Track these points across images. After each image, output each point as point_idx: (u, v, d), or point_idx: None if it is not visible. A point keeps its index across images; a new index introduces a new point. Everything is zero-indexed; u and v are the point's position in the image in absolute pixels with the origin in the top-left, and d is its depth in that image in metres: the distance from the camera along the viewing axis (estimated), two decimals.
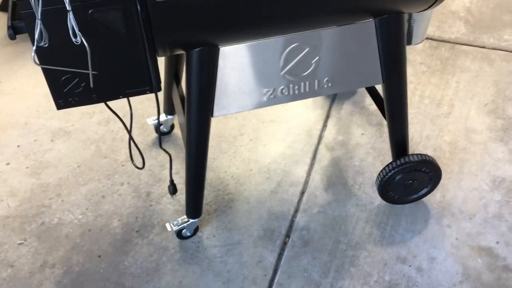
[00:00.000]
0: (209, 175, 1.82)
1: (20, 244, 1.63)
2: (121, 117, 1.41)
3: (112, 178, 1.81)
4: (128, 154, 1.86)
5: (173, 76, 1.64)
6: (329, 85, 1.44)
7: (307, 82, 1.42)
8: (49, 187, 1.79)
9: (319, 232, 1.65)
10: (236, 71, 1.34)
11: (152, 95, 1.29)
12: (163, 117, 1.92)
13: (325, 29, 1.34)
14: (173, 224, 1.58)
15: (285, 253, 1.60)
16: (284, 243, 1.62)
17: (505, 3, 2.58)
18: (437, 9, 2.53)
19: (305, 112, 2.04)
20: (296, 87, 1.42)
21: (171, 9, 1.10)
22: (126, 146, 1.91)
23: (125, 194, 1.76)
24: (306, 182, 1.80)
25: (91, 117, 2.04)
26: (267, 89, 1.39)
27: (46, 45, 1.07)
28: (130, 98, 1.35)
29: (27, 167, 1.86)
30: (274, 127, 1.99)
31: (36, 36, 1.04)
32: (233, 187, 1.78)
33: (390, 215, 1.69)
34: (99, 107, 2.05)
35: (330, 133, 1.97)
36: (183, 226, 1.57)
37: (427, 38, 2.38)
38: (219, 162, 1.87)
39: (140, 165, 1.54)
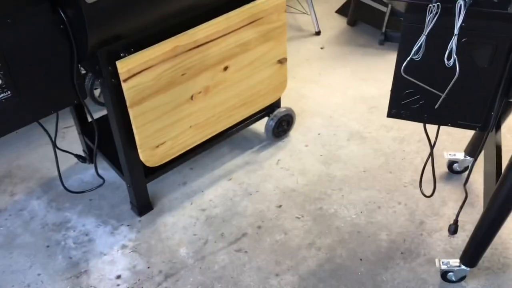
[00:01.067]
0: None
1: (297, 218, 1.81)
2: (418, 141, 1.44)
3: (391, 194, 1.87)
4: (414, 178, 1.90)
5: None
6: None
7: None
8: (335, 179, 1.94)
9: None
10: None
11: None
12: (461, 155, 1.89)
13: None
14: (443, 262, 1.55)
15: None
16: None
17: None
18: None
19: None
20: None
21: None
22: (412, 169, 1.94)
23: (400, 214, 1.80)
24: None
25: (389, 131, 2.13)
26: None
27: (418, 59, 1.16)
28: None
29: (321, 155, 2.04)
30: None
31: (415, 49, 1.13)
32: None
33: None
34: (398, 124, 2.13)
35: None
36: (452, 269, 1.53)
37: None
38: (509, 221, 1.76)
39: (428, 193, 1.56)
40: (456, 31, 1.09)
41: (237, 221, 1.80)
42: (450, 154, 1.90)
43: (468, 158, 1.88)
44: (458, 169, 1.92)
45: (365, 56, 2.56)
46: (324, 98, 2.32)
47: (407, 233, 1.74)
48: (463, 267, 1.52)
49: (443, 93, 1.24)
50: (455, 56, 1.11)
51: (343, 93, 2.34)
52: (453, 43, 1.10)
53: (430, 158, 1.46)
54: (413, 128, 2.10)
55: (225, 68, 1.69)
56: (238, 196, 1.89)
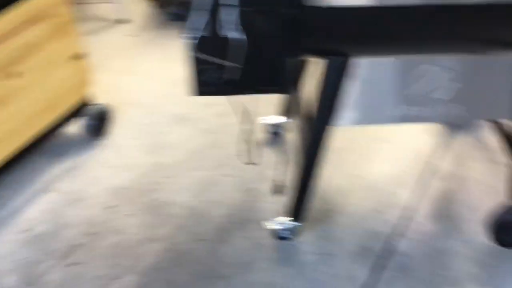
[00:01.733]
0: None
1: (131, 215, 1.75)
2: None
3: (222, 169, 1.89)
4: (239, 149, 1.94)
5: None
6: (463, 114, 1.40)
7: (441, 107, 1.39)
8: (165, 167, 1.91)
9: (417, 260, 1.61)
10: (368, 84, 1.34)
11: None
12: (281, 118, 1.97)
13: (468, 55, 1.31)
14: (274, 223, 1.61)
15: (379, 275, 1.58)
16: (379, 265, 1.60)
17: None
18: None
19: (423, 138, 1.99)
20: (427, 110, 1.39)
21: (323, 15, 1.13)
22: (238, 141, 1.98)
23: (232, 186, 1.83)
24: (411, 208, 1.76)
25: (211, 108, 2.14)
26: (397, 107, 1.38)
27: (209, 35, 1.15)
28: (250, 96, 1.40)
29: (147, 145, 1.99)
30: (388, 147, 1.97)
31: (203, 25, 1.12)
32: (336, 199, 1.79)
33: (498, 259, 1.61)
34: (219, 100, 2.15)
35: (446, 163, 1.90)
36: (285, 226, 1.60)
37: None
38: (325, 173, 1.87)
39: (252, 161, 1.60)
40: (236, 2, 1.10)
41: (67, 234, 1.68)
42: (265, 119, 1.97)
43: (285, 119, 1.96)
44: (278, 131, 2.01)
45: (178, 38, 2.54)
46: (142, 87, 2.26)
47: (240, 203, 1.78)
48: (294, 223, 1.60)
49: (239, 64, 1.26)
50: (240, 27, 1.13)
51: (161, 79, 2.30)
52: (225, 14, 1.11)
53: (248, 129, 1.49)
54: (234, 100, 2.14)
55: (16, 74, 1.55)
56: (64, 207, 1.77)
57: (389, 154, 1.94)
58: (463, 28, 1.22)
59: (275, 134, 2.01)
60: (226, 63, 1.24)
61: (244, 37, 1.16)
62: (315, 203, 1.77)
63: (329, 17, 1.13)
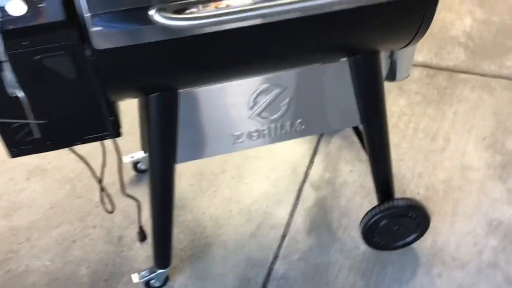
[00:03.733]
0: (187, 216, 1.73)
1: None
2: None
3: (84, 221, 1.73)
4: (102, 195, 1.79)
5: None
6: (303, 127, 1.34)
7: (278, 125, 1.32)
8: (20, 230, 1.72)
9: (298, 281, 1.54)
10: (199, 115, 1.25)
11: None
12: (141, 154, 1.84)
13: (294, 69, 1.25)
14: (140, 274, 1.48)
15: None
16: None
17: (508, 27, 2.46)
18: (436, 34, 2.42)
19: (292, 147, 1.94)
20: (266, 131, 1.32)
21: (116, 56, 1.02)
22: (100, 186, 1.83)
23: (96, 239, 1.67)
24: (288, 225, 1.70)
25: (69, 153, 1.97)
26: (234, 134, 1.30)
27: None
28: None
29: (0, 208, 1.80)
30: (258, 164, 1.90)
31: None
32: (211, 230, 1.69)
33: (376, 263, 1.58)
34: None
35: (317, 170, 1.86)
36: (151, 277, 1.47)
37: (424, 66, 2.27)
38: (198, 202, 1.77)
39: (111, 209, 1.46)
40: (3, 57, 0.96)
41: None
42: (130, 157, 1.84)
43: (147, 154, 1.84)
44: (143, 167, 1.88)
45: None
46: None
47: (107, 256, 1.63)
48: (159, 270, 1.48)
49: (43, 119, 1.12)
50: (15, 84, 0.99)
51: None
52: (6, 70, 0.97)
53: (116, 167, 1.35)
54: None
55: None
56: None
57: (265, 171, 1.87)
58: (289, 43, 1.16)
59: (143, 171, 1.88)
60: (30, 121, 1.10)
61: (22, 93, 1.03)
62: (189, 239, 1.66)
63: (125, 57, 1.02)
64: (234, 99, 1.25)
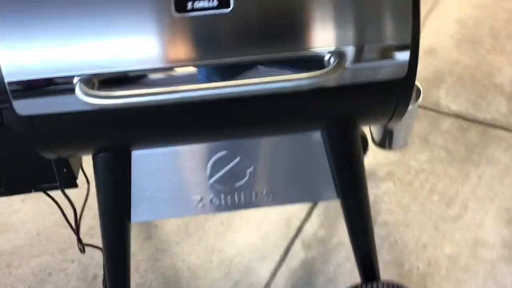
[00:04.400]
0: (166, 262, 1.66)
1: None
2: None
3: (65, 253, 1.70)
4: (91, 225, 1.76)
5: None
6: (270, 197, 1.22)
7: (242, 193, 1.21)
8: (3, 255, 1.72)
9: None
10: (154, 176, 1.17)
11: None
12: None
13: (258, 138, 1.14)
14: None
15: None
16: None
17: None
18: (478, 80, 2.19)
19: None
20: (229, 198, 1.22)
21: (42, 122, 0.96)
22: (90, 215, 1.80)
23: (71, 274, 1.64)
24: (267, 286, 1.58)
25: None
26: (193, 198, 1.20)
27: None
28: None
29: None
30: (251, 211, 1.79)
31: None
32: (186, 282, 1.60)
33: None
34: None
35: (312, 225, 1.73)
36: None
37: (456, 116, 2.06)
38: (180, 248, 1.69)
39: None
40: None
41: None
42: None
43: None
44: None
45: None
46: None
47: None
48: None
49: None
50: None
51: None
52: None
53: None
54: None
55: None
56: None
57: (256, 221, 1.76)
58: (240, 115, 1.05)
59: None
60: None
61: None
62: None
63: (52, 123, 0.95)
64: (191, 164, 1.16)
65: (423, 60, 2.33)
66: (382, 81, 0.96)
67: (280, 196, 1.23)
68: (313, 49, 0.90)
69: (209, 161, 1.14)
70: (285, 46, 0.89)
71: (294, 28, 0.88)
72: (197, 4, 0.85)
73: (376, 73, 0.95)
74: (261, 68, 0.90)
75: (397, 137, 1.45)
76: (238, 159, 1.15)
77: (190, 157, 1.15)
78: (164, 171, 1.15)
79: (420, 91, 1.46)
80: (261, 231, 1.72)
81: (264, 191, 1.21)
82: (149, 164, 1.14)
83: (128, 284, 1.34)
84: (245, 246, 1.68)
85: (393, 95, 1.00)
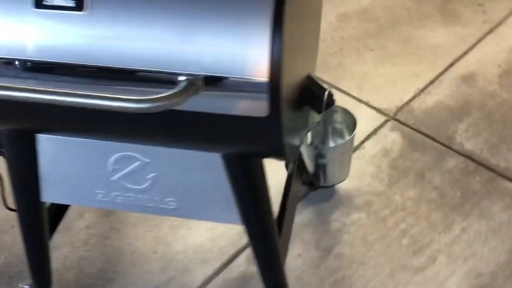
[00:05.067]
0: (114, 242, 1.68)
1: None
2: None
3: None
4: None
5: None
6: (174, 207, 1.19)
7: (146, 197, 1.19)
8: None
9: None
10: (61, 161, 1.17)
11: None
12: None
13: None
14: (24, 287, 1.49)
15: None
16: None
17: None
18: (509, 121, 1.94)
19: None
20: (133, 198, 1.20)
21: None
22: None
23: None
24: None
25: None
26: (98, 190, 1.20)
27: None
28: None
29: None
30: None
31: None
32: (124, 266, 1.62)
33: None
34: None
35: None
36: None
37: (467, 157, 1.85)
38: (133, 231, 1.70)
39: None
40: None
41: None
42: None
43: None
44: None
45: None
46: None
47: None
48: None
49: None
50: None
51: None
52: None
53: None
54: None
55: None
56: None
57: (214, 223, 1.70)
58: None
59: None
60: None
61: None
62: (99, 267, 1.61)
63: None
64: (95, 157, 1.14)
65: (456, 86, 2.12)
66: (244, 116, 0.88)
67: (184, 209, 1.19)
68: (162, 70, 0.86)
69: (107, 160, 1.13)
70: (135, 61, 0.85)
71: (148, 45, 0.84)
72: (54, 1, 0.84)
73: (235, 107, 0.88)
74: (111, 79, 0.87)
75: (331, 172, 1.33)
76: (139, 163, 1.12)
77: (94, 150, 1.13)
78: (70, 158, 1.16)
79: (355, 123, 1.32)
80: (213, 233, 1.68)
81: (168, 200, 1.18)
82: (57, 148, 1.15)
83: (47, 260, 1.38)
84: (192, 245, 1.66)
85: (259, 133, 0.93)
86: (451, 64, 2.20)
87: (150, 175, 1.14)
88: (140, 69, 0.86)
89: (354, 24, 2.44)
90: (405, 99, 2.07)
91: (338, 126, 1.24)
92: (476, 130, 1.93)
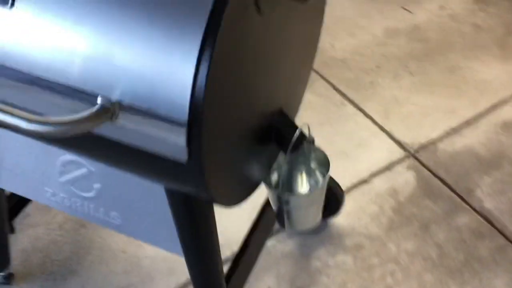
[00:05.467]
0: (88, 232, 1.62)
1: None
2: None
3: None
4: None
5: None
6: (119, 223, 1.11)
7: (92, 206, 1.12)
8: None
9: None
10: (12, 151, 1.11)
11: None
12: None
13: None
14: None
15: None
16: None
17: None
18: None
19: (232, 217, 1.62)
20: (79, 204, 1.13)
21: None
22: None
23: None
24: None
25: None
26: (46, 188, 1.14)
27: None
28: None
29: None
30: None
31: None
32: (91, 260, 1.56)
33: None
34: None
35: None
36: None
37: (485, 218, 1.65)
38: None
39: None
40: None
41: None
42: None
43: None
44: None
45: None
46: None
47: None
48: None
49: None
50: None
51: None
52: None
53: None
54: None
55: None
56: None
57: None
58: None
59: None
60: None
61: None
62: (67, 255, 1.56)
63: None
64: (43, 155, 1.08)
65: (493, 133, 1.90)
66: (164, 156, 0.77)
67: (128, 227, 1.11)
68: (77, 86, 0.76)
69: (55, 161, 1.06)
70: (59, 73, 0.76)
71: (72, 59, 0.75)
72: None
73: (153, 144, 0.77)
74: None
75: (296, 219, 1.20)
76: (85, 170, 1.05)
77: (43, 148, 1.06)
78: (20, 149, 1.10)
79: (328, 169, 1.16)
80: None
81: (112, 214, 1.10)
82: (9, 137, 1.09)
83: (4, 243, 1.35)
84: (163, 253, 1.57)
85: (182, 177, 0.82)
86: (495, 106, 1.98)
87: (96, 185, 1.06)
88: (56, 82, 0.77)
89: (400, 41, 2.24)
90: (432, 136, 1.88)
91: (313, 167, 1.11)
92: (502, 188, 1.73)
